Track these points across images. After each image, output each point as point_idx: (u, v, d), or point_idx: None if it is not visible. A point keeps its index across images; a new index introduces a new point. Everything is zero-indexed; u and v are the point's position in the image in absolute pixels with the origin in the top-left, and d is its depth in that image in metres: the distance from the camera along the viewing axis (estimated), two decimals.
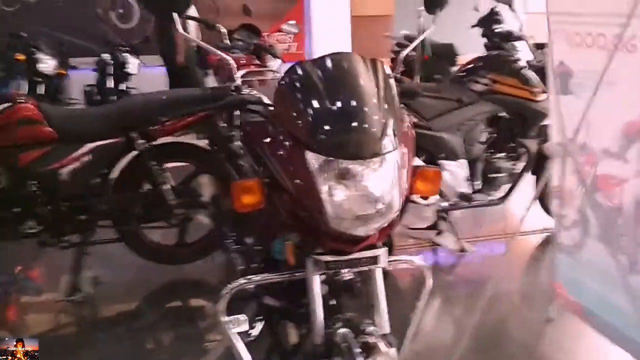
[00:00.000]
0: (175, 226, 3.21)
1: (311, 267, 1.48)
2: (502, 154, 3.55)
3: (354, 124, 1.36)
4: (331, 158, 1.33)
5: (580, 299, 2.51)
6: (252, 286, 1.79)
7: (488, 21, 4.68)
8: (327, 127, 1.36)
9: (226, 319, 1.75)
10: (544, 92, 3.45)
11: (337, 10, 8.18)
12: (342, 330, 1.48)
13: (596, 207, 2.32)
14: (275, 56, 4.44)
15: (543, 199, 3.68)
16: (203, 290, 3.24)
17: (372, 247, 1.48)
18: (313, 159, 1.34)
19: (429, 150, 3.27)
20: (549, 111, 3.48)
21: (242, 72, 3.44)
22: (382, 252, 1.49)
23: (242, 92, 1.63)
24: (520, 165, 3.61)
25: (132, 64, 5.89)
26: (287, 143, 1.41)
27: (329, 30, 7.98)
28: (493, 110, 3.42)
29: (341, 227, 1.36)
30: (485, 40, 4.02)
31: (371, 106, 1.38)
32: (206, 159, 3.18)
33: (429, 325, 2.76)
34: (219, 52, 2.35)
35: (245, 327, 2.01)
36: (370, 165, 1.34)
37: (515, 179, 3.57)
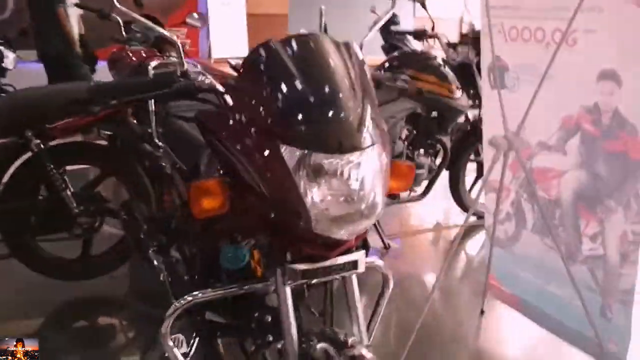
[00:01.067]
0: (78, 237, 2.84)
1: (281, 278, 1.30)
2: (421, 151, 3.57)
3: (335, 112, 1.19)
4: (310, 151, 1.16)
5: (515, 291, 2.54)
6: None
7: (386, 22, 4.72)
8: (304, 117, 1.19)
9: (170, 342, 1.53)
10: (458, 89, 3.52)
11: (232, 7, 7.99)
12: (321, 345, 1.32)
13: (532, 200, 2.35)
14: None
15: (456, 193, 3.77)
16: (110, 308, 2.90)
17: (349, 251, 1.34)
18: (289, 153, 1.17)
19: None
20: (465, 108, 3.60)
21: (154, 62, 3.15)
22: (360, 256, 1.35)
23: (190, 78, 1.41)
24: (438, 161, 3.66)
25: (8, 58, 5.25)
26: (254, 136, 1.22)
27: (225, 27, 7.76)
28: (413, 107, 3.41)
29: (323, 230, 1.19)
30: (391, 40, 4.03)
31: (349, 93, 1.23)
32: (113, 160, 2.84)
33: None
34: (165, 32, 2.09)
35: (185, 348, 1.79)
36: (352, 159, 1.18)
37: (434, 174, 3.60)
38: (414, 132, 3.53)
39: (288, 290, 1.32)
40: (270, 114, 1.21)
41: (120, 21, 4.27)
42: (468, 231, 3.55)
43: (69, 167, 2.80)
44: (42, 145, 2.57)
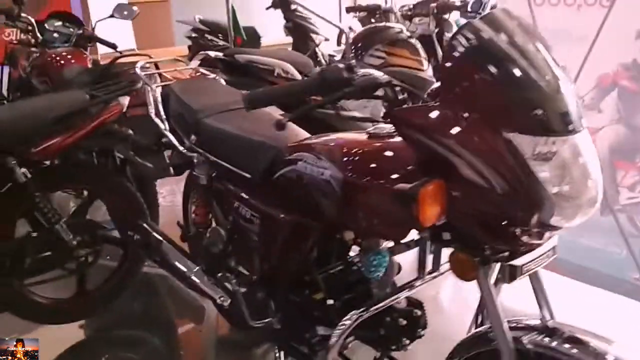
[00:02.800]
0: (73, 273, 2.46)
1: (487, 277, 1.21)
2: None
3: (559, 93, 1.10)
4: (544, 137, 1.07)
5: None
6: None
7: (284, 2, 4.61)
8: (532, 101, 1.08)
9: None
10: (426, 61, 3.52)
11: None
12: (530, 337, 1.25)
13: None
14: (110, 46, 3.70)
15: None
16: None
17: None
18: (521, 141, 1.07)
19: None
20: (434, 81, 3.62)
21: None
22: (556, 240, 1.29)
23: (356, 73, 1.21)
24: None
25: None
26: (474, 127, 1.10)
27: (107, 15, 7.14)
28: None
29: (562, 218, 1.12)
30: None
31: (562, 72, 1.15)
32: (104, 180, 2.49)
33: None
34: None
35: None
36: (580, 140, 1.11)
37: None
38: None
39: (494, 288, 1.23)
40: (494, 101, 1.09)
41: (33, 21, 3.72)
42: None
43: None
44: (28, 174, 2.17)
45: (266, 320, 1.81)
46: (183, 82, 2.32)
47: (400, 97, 1.29)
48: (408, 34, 3.47)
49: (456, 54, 1.14)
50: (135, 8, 4.02)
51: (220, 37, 6.20)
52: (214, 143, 1.94)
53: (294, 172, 1.56)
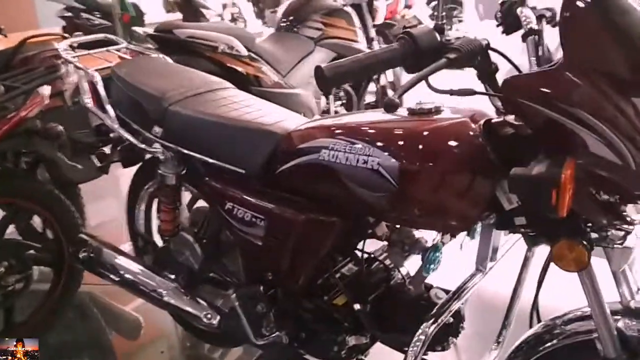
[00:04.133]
0: None
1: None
2: (337, 103, 3.35)
3: None
4: None
5: None
6: None
7: None
8: None
9: None
10: (360, 30, 3.35)
11: None
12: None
13: None
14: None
15: None
16: None
17: None
18: None
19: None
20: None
21: None
22: None
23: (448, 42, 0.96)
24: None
25: None
26: (603, 94, 0.91)
27: None
28: (328, 56, 3.15)
29: None
30: None
31: None
32: (29, 190, 2.03)
33: None
34: None
35: None
36: None
37: None
38: None
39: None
40: (624, 62, 0.92)
41: None
42: None
43: None
44: None
45: (274, 335, 1.56)
46: (128, 64, 1.93)
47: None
48: (342, 2, 3.27)
49: (580, 11, 0.94)
50: None
51: (98, 15, 5.71)
52: (189, 134, 1.62)
53: (315, 162, 1.31)
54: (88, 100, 1.84)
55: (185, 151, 1.61)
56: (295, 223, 1.39)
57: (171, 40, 2.63)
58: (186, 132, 1.62)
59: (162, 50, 2.43)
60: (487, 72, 1.09)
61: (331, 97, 3.12)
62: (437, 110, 1.22)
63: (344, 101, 3.39)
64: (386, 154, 1.17)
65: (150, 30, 2.67)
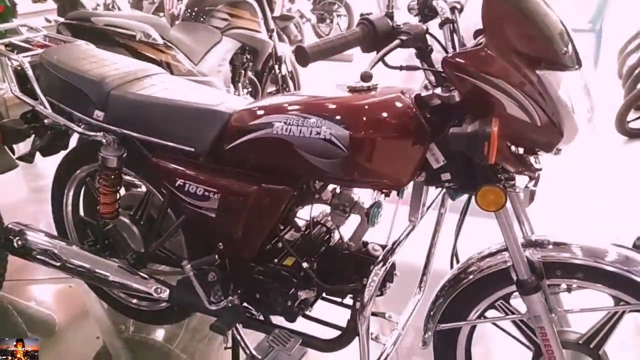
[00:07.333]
0: None
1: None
2: (245, 91, 3.47)
3: (569, 34, 1.25)
4: (569, 71, 1.21)
5: None
6: None
7: None
8: (557, 42, 1.20)
9: None
10: (262, 21, 3.49)
11: None
12: None
13: None
14: None
15: None
16: None
17: None
18: (552, 76, 1.18)
19: None
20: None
21: None
22: None
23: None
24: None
25: None
26: (518, 66, 1.17)
27: None
28: (234, 46, 3.26)
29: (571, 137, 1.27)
30: None
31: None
32: None
33: None
34: None
35: None
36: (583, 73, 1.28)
37: None
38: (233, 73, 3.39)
39: None
40: (532, 42, 1.17)
41: None
42: None
43: None
44: None
45: (227, 300, 1.69)
46: (58, 50, 1.92)
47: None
48: None
49: (497, 2, 1.19)
50: None
51: None
52: (134, 117, 1.68)
53: (267, 137, 1.46)
54: (14, 87, 1.83)
55: (132, 133, 1.68)
56: (249, 194, 1.53)
57: (86, 28, 2.60)
58: (131, 115, 1.69)
59: (78, 38, 2.41)
60: (424, 52, 1.31)
61: (239, 85, 3.25)
62: (374, 88, 1.43)
63: (249, 89, 3.53)
64: (337, 125, 1.36)
65: (61, 19, 2.62)
